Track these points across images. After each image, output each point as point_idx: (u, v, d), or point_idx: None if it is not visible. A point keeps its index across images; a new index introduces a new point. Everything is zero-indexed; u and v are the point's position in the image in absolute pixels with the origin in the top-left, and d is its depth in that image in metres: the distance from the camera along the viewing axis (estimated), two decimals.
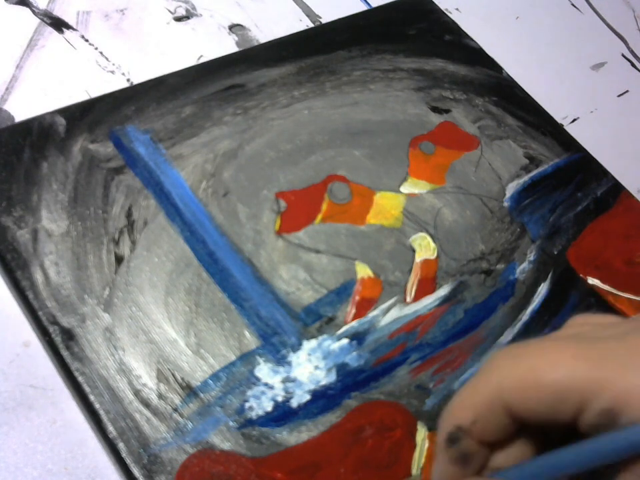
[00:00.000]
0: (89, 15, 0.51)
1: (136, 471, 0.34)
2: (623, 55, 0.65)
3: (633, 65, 0.64)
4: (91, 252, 0.40)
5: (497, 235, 0.47)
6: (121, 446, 0.34)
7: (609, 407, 0.23)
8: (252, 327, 0.39)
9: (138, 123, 0.45)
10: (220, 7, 0.55)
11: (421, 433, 0.39)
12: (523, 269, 0.47)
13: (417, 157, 0.49)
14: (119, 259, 0.40)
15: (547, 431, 0.25)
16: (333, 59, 0.52)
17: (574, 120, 0.58)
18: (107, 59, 0.49)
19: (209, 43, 0.53)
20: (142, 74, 0.49)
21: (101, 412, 0.35)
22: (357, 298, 0.42)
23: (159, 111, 0.46)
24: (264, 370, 0.38)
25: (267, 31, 0.54)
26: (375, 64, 0.53)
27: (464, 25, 0.59)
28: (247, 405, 0.37)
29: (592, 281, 0.47)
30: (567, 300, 0.46)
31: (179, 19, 0.53)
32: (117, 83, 0.48)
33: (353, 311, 0.42)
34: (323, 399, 0.38)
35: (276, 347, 0.39)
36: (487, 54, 0.58)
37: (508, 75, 0.57)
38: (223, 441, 0.36)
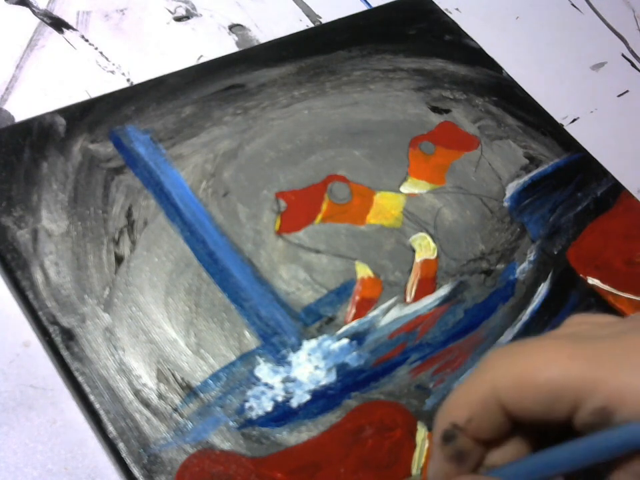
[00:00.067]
0: (88, 15, 0.51)
1: (136, 471, 0.34)
2: (623, 55, 0.65)
3: (633, 64, 0.64)
4: (90, 252, 0.40)
5: (497, 235, 0.47)
6: (120, 446, 0.34)
7: (603, 406, 0.23)
8: (252, 327, 0.39)
9: (138, 123, 0.45)
10: (220, 7, 0.55)
11: (421, 433, 0.39)
12: (522, 269, 0.47)
13: (416, 157, 0.49)
14: (119, 259, 0.40)
15: (542, 429, 0.26)
16: (333, 58, 0.52)
17: (574, 120, 0.58)
18: (106, 59, 0.49)
19: (209, 43, 0.53)
20: (142, 74, 0.49)
21: (101, 412, 0.35)
22: (357, 298, 0.42)
23: (159, 110, 0.46)
24: (264, 370, 0.38)
25: (267, 31, 0.54)
26: (375, 64, 0.53)
27: (464, 25, 0.59)
28: (247, 404, 0.37)
29: (592, 281, 0.47)
30: (567, 300, 0.46)
31: (178, 19, 0.53)
32: (117, 83, 0.48)
33: (353, 311, 0.42)
34: (323, 399, 0.38)
35: (276, 347, 0.39)
36: (487, 54, 0.58)
37: (508, 75, 0.57)
38: (223, 441, 0.36)
